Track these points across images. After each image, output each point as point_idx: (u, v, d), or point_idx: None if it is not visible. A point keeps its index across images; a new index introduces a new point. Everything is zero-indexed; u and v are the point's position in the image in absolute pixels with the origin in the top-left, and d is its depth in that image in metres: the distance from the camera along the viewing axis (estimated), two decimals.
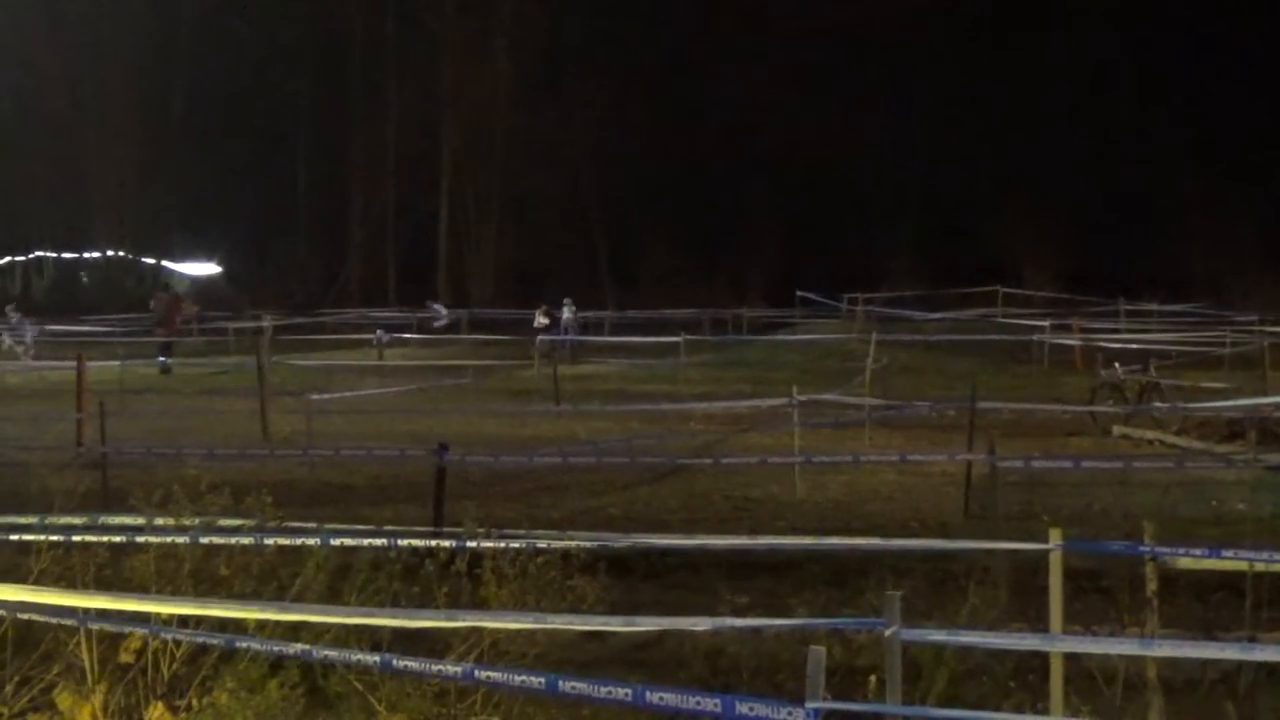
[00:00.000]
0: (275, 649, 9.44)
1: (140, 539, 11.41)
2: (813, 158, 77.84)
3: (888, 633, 8.19)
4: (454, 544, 11.31)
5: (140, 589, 10.81)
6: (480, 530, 12.03)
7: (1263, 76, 73.73)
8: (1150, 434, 28.62)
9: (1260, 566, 11.69)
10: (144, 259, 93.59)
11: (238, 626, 10.13)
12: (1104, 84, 76.08)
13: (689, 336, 47.53)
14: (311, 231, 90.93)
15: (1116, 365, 33.42)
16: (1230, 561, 11.36)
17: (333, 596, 10.92)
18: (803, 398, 25.15)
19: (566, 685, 7.85)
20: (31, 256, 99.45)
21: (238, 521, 12.13)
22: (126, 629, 10.19)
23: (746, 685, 10.92)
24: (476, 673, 8.46)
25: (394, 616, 9.43)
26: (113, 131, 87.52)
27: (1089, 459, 22.40)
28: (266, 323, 56.42)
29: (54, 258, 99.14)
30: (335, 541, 11.59)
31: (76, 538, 11.61)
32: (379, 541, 11.61)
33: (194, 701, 10.34)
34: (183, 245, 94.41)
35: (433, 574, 10.82)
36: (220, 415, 32.52)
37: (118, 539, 11.65)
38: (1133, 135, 74.34)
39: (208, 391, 39.71)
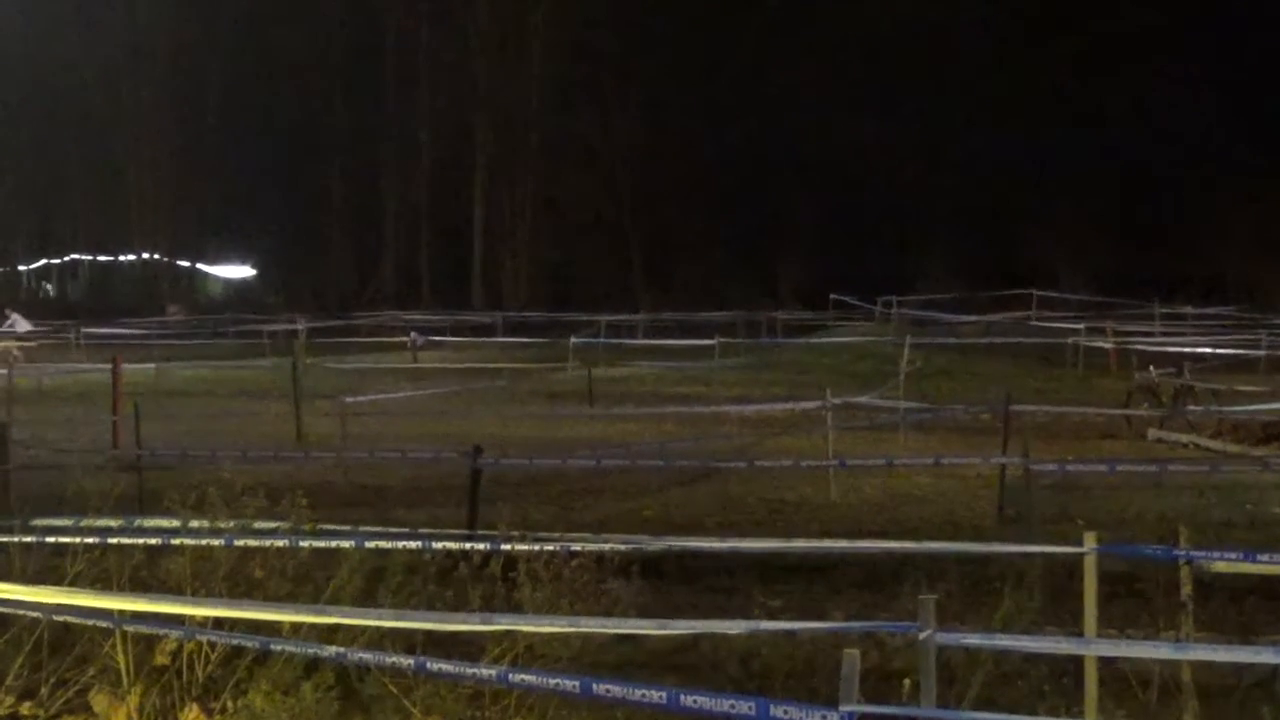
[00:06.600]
0: (310, 651, 9.47)
1: (175, 541, 11.43)
2: (847, 160, 77.77)
3: (922, 636, 8.17)
4: (488, 547, 11.31)
5: (175, 591, 10.83)
6: (515, 533, 12.03)
7: None
8: (1185, 437, 28.56)
9: None
10: (179, 262, 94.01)
11: (272, 629, 10.14)
12: (1139, 87, 75.76)
13: (723, 339, 47.51)
14: (345, 234, 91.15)
15: (1151, 368, 33.33)
16: (1266, 565, 11.30)
17: (367, 599, 10.92)
18: (837, 401, 25.18)
19: (601, 688, 7.86)
20: (67, 259, 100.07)
21: (273, 524, 12.14)
22: (162, 631, 10.22)
23: (781, 688, 10.89)
24: (511, 675, 8.47)
25: (428, 619, 9.42)
26: (148, 135, 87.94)
27: (1124, 462, 22.33)
28: (301, 325, 56.59)
29: (90, 260, 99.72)
30: (370, 544, 11.60)
31: (112, 540, 11.63)
32: (413, 544, 11.61)
33: (229, 704, 10.36)
34: (217, 248, 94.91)
35: (467, 577, 10.80)
36: (255, 418, 32.62)
37: (153, 541, 11.67)
38: (1168, 138, 74.07)
39: (243, 394, 39.84)
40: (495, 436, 26.45)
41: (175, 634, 10.30)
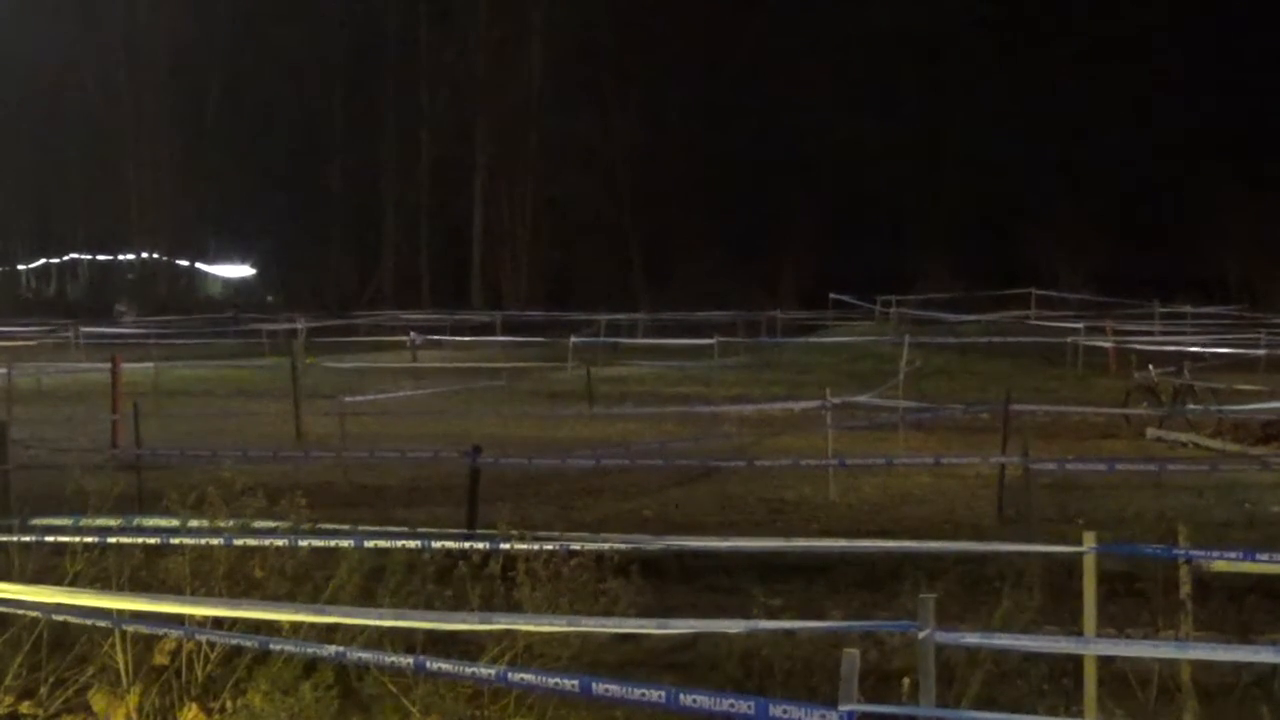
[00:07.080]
0: (309, 651, 9.46)
1: (175, 541, 11.43)
2: (846, 160, 77.78)
3: (921, 635, 8.16)
4: (488, 546, 11.30)
5: (175, 591, 10.83)
6: (514, 532, 12.01)
7: None
8: (1184, 436, 28.55)
9: None
10: (179, 261, 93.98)
11: (272, 628, 10.15)
12: (1139, 87, 75.72)
13: (723, 339, 47.49)
14: (345, 234, 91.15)
15: (1150, 367, 33.31)
16: (1265, 564, 11.29)
17: (367, 598, 10.92)
18: (836, 400, 25.17)
19: (600, 687, 7.85)
20: (67, 259, 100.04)
21: (272, 523, 12.14)
22: (161, 631, 10.22)
23: (780, 688, 10.89)
24: (510, 675, 8.47)
25: (428, 619, 9.42)
26: (148, 134, 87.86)
27: (1123, 461, 22.29)
28: (300, 325, 56.56)
29: (89, 260, 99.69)
30: (369, 543, 11.59)
31: (111, 539, 11.63)
32: (413, 543, 11.60)
33: (228, 703, 10.36)
34: (217, 247, 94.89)
35: (466, 576, 10.80)
36: (254, 417, 32.62)
37: (153, 541, 11.67)
38: (1167, 138, 74.02)
39: (242, 393, 39.85)
40: (494, 436, 26.45)
41: (175, 633, 10.30)
